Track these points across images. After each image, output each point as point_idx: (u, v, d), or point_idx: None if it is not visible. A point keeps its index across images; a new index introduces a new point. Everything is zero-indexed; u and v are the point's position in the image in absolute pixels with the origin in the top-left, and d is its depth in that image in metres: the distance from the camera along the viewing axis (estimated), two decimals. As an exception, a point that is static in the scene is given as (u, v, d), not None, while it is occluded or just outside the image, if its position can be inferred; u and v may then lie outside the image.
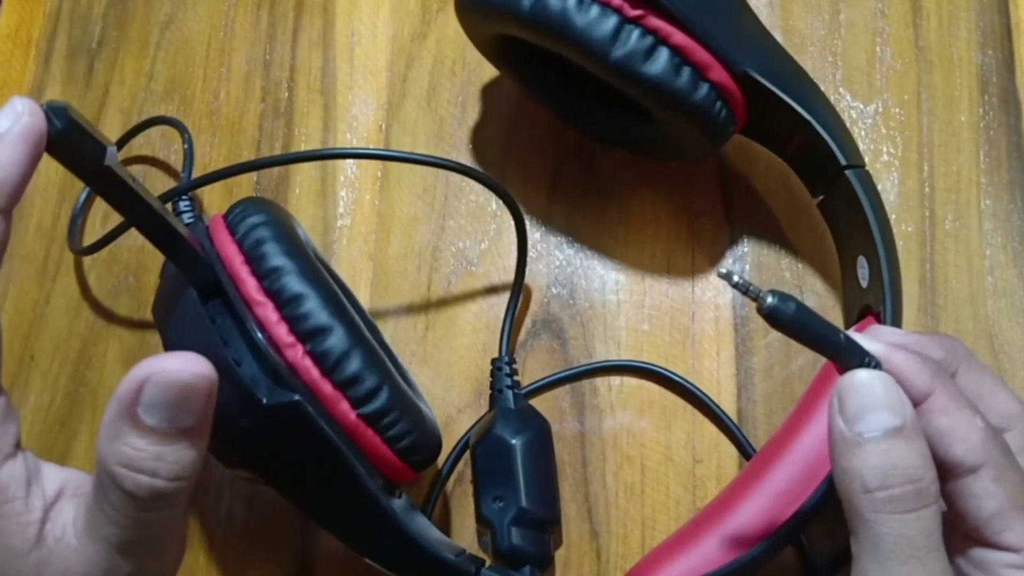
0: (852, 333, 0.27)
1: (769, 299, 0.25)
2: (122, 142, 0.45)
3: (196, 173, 0.44)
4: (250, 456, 0.31)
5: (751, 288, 0.26)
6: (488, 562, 0.35)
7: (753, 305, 0.40)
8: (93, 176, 0.26)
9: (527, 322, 0.42)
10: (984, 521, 0.26)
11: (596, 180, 0.44)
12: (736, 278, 0.26)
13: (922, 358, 0.27)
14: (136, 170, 0.46)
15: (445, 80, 0.46)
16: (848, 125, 0.42)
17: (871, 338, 0.27)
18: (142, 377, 0.25)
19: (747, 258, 0.42)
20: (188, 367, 0.26)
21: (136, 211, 0.27)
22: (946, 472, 0.26)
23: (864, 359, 0.26)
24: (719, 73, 0.35)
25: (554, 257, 0.43)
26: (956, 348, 0.30)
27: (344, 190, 0.44)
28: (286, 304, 0.30)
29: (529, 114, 0.44)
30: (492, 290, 0.42)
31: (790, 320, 0.26)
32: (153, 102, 0.47)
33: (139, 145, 0.46)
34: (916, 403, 0.26)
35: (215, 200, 0.44)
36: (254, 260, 0.31)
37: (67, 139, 0.24)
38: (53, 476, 0.28)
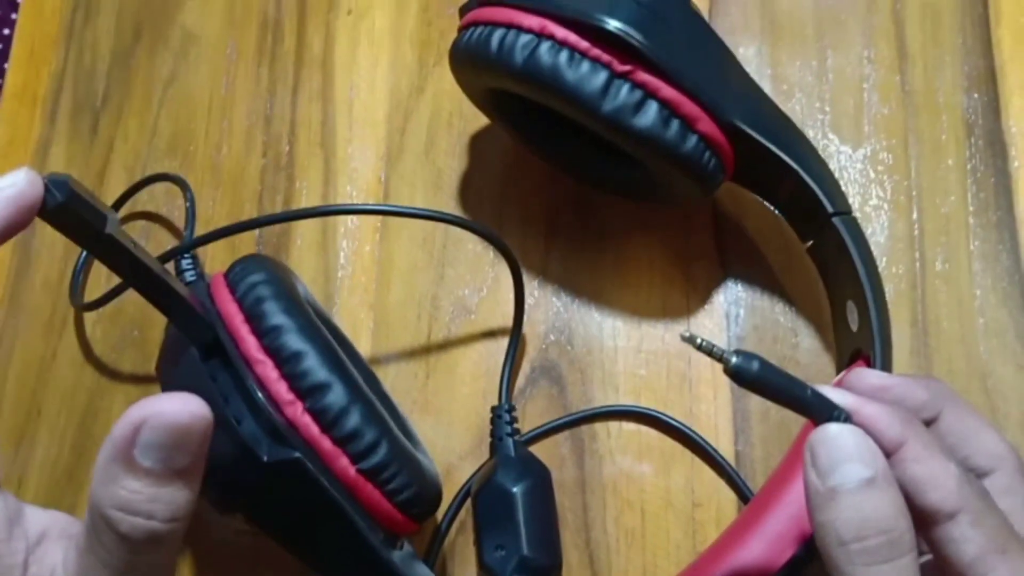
0: (824, 387, 0.27)
1: (733, 359, 0.26)
2: (123, 199, 0.46)
3: (200, 226, 0.45)
4: (251, 512, 0.31)
5: (715, 349, 0.26)
6: None
7: (751, 347, 0.41)
8: (93, 244, 0.26)
9: (526, 368, 0.42)
10: (966, 565, 0.26)
11: (592, 226, 0.44)
12: (699, 340, 0.26)
13: (893, 409, 0.27)
14: (140, 226, 0.47)
15: (442, 132, 0.47)
16: (837, 170, 0.43)
17: (842, 390, 0.28)
18: (139, 419, 0.26)
19: (741, 302, 0.43)
20: (185, 408, 0.26)
21: (136, 275, 0.28)
22: (926, 520, 0.26)
23: (834, 413, 0.27)
24: (707, 125, 0.35)
25: (552, 303, 0.43)
26: (940, 390, 0.31)
27: (344, 241, 0.45)
28: (286, 362, 0.31)
29: (525, 163, 0.45)
30: (491, 337, 0.43)
31: (754, 379, 0.26)
32: (157, 158, 0.48)
33: (143, 201, 0.47)
34: (889, 453, 0.26)
35: (219, 254, 0.45)
36: (254, 319, 0.31)
37: (68, 210, 0.25)
38: (36, 518, 0.28)
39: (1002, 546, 0.26)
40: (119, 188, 0.47)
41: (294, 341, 0.31)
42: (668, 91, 0.35)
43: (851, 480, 0.26)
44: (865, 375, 0.31)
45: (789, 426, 0.40)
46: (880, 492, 0.25)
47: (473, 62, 0.38)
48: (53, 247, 0.46)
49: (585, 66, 0.35)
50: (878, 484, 0.25)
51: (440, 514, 0.40)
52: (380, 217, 0.45)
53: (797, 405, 0.27)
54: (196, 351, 0.31)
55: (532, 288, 0.44)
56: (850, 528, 0.25)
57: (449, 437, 0.41)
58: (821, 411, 0.27)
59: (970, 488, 0.26)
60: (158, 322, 0.44)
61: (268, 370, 0.31)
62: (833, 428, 0.26)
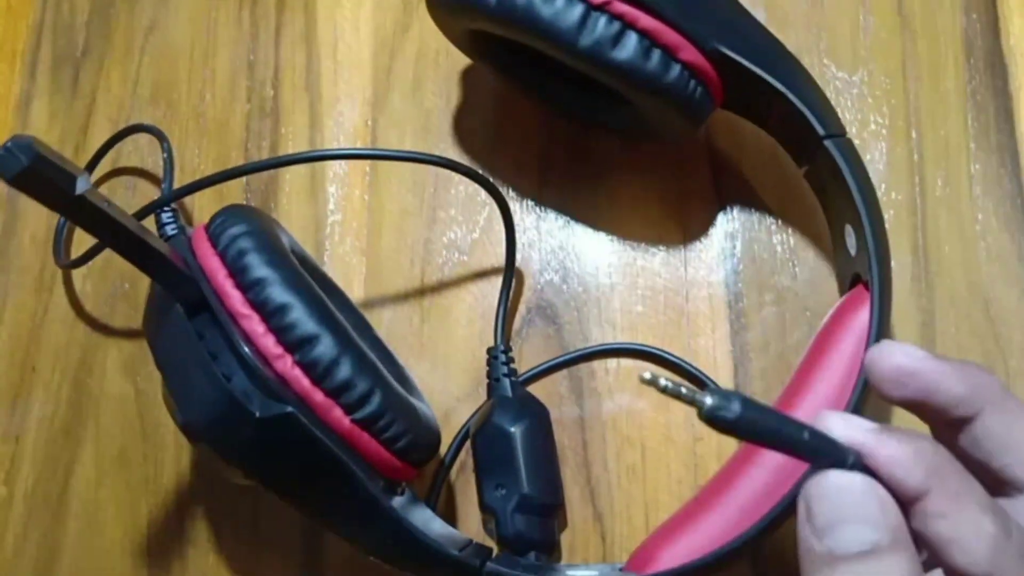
0: (831, 417, 0.23)
1: (708, 401, 0.21)
2: (100, 154, 0.45)
3: (186, 177, 0.45)
4: (248, 467, 0.31)
5: (684, 392, 0.21)
6: (495, 550, 0.36)
7: (746, 281, 0.41)
8: (64, 206, 0.26)
9: (521, 309, 0.42)
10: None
11: (585, 164, 0.44)
12: (663, 382, 0.21)
13: (917, 447, 0.22)
14: (125, 181, 0.46)
15: (429, 71, 0.46)
16: (834, 96, 0.42)
17: (852, 420, 0.22)
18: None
19: (738, 235, 0.42)
20: None
21: (111, 235, 0.27)
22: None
23: (840, 457, 0.22)
24: (690, 53, 0.34)
25: (546, 243, 0.43)
26: (983, 383, 0.25)
27: (333, 187, 0.44)
28: (272, 315, 0.30)
29: (515, 101, 0.44)
30: (485, 279, 0.42)
31: (735, 422, 0.21)
32: (140, 108, 0.47)
33: (128, 154, 0.46)
34: (909, 504, 0.22)
35: (207, 204, 0.45)
36: (237, 272, 0.31)
37: (34, 174, 0.24)
38: None
39: None
40: (104, 140, 0.46)
41: (280, 293, 0.31)
42: (647, 21, 0.34)
43: (854, 545, 0.21)
44: (890, 352, 0.25)
45: (788, 358, 0.40)
46: (888, 560, 0.21)
47: (447, 4, 0.37)
48: (37, 204, 0.46)
49: (560, 1, 0.34)
50: (885, 550, 0.21)
51: (440, 457, 0.40)
52: (369, 161, 0.45)
53: (794, 450, 0.22)
54: (181, 308, 0.31)
55: (526, 228, 0.43)
56: None
57: (446, 380, 0.41)
58: (825, 455, 0.22)
59: (1007, 548, 0.22)
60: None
61: (255, 324, 0.31)
62: (835, 479, 0.22)
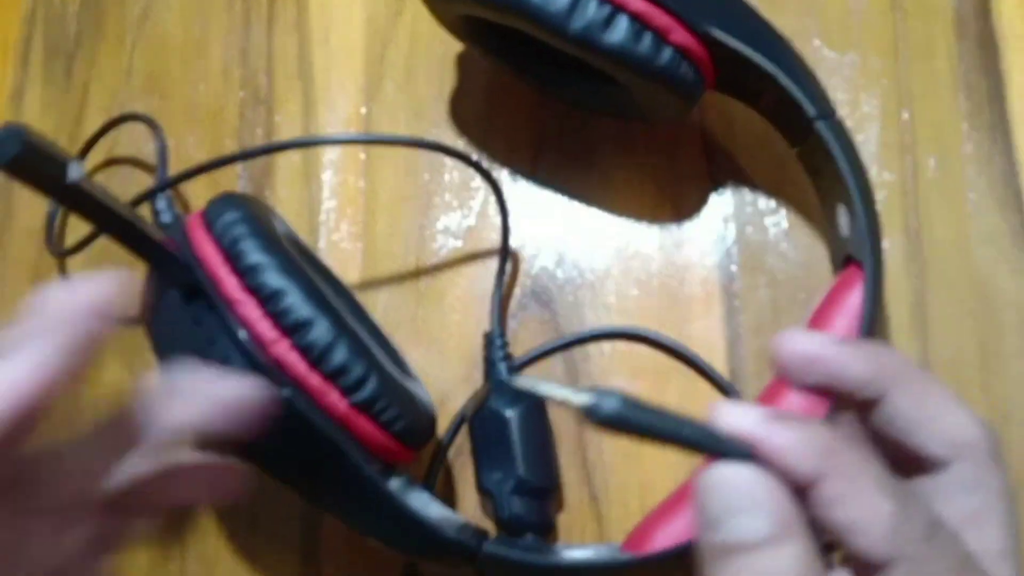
0: (727, 406, 0.22)
1: (584, 398, 0.21)
2: (91, 143, 0.45)
3: (181, 167, 0.44)
4: (244, 451, 0.31)
5: (557, 393, 0.21)
6: (492, 532, 0.36)
7: (740, 263, 0.41)
8: (57, 192, 0.26)
9: (516, 294, 0.42)
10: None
11: (579, 148, 0.44)
12: (541, 388, 0.21)
13: (810, 434, 0.22)
14: (120, 171, 0.46)
15: (422, 58, 0.46)
16: (825, 77, 0.42)
17: (746, 408, 0.22)
18: None
19: (732, 216, 0.42)
20: None
21: (105, 221, 0.27)
22: (862, 566, 0.22)
23: (728, 447, 0.22)
24: (681, 35, 0.35)
25: (540, 227, 0.43)
26: (890, 363, 0.24)
27: (328, 174, 0.44)
28: (268, 300, 0.31)
29: (508, 86, 0.44)
30: (480, 264, 0.43)
31: (616, 421, 0.21)
32: (134, 98, 0.47)
33: (123, 144, 0.46)
34: (805, 491, 0.21)
35: (201, 192, 0.45)
36: (233, 258, 0.31)
37: (25, 162, 0.25)
38: None
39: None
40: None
41: (275, 279, 0.31)
42: (638, 3, 0.34)
43: (744, 535, 0.21)
44: (795, 339, 0.25)
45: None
46: (780, 550, 0.21)
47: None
48: (35, 194, 0.46)
49: None
50: (777, 540, 0.21)
51: (437, 440, 0.40)
52: (363, 148, 0.45)
53: (679, 444, 0.22)
54: (177, 294, 0.31)
55: (520, 212, 0.43)
56: None
57: (442, 365, 0.41)
58: (710, 448, 0.22)
59: (909, 529, 0.21)
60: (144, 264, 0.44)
61: (250, 309, 0.31)
62: (719, 472, 0.21)
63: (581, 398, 0.21)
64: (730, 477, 0.21)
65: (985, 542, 0.23)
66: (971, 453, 0.24)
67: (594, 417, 0.21)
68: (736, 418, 0.22)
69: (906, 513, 0.21)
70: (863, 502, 0.21)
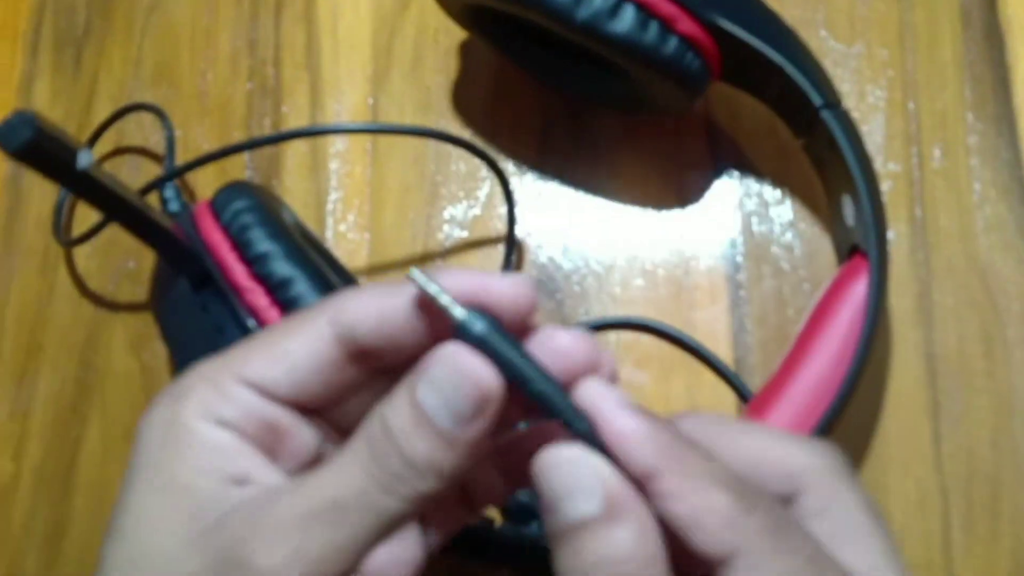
0: (591, 385, 0.22)
1: (460, 313, 0.21)
2: (99, 132, 0.45)
3: (189, 157, 0.45)
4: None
5: (443, 300, 0.22)
6: (498, 520, 0.36)
7: (745, 254, 0.41)
8: (67, 179, 0.26)
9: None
10: None
11: (584, 138, 0.44)
12: (431, 288, 0.22)
13: (653, 426, 0.21)
14: (128, 160, 0.46)
15: (429, 48, 0.46)
16: (831, 68, 0.42)
17: (603, 391, 0.22)
18: None
19: (737, 207, 0.42)
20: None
21: (114, 208, 0.28)
22: (706, 564, 0.21)
23: (568, 416, 0.22)
24: (687, 24, 0.35)
25: (546, 217, 0.43)
26: (693, 432, 0.23)
27: (335, 163, 0.44)
28: (276, 288, 0.31)
29: (514, 77, 0.44)
30: (486, 254, 0.43)
31: (480, 342, 0.21)
32: (142, 88, 0.47)
33: (131, 134, 0.46)
34: (644, 484, 0.21)
35: (209, 182, 0.45)
36: (241, 246, 0.31)
37: (36, 148, 0.25)
38: None
39: None
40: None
41: (283, 267, 0.31)
42: None
43: (577, 517, 0.21)
44: (556, 336, 0.23)
45: (787, 330, 0.40)
46: (616, 531, 0.21)
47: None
48: (44, 184, 0.46)
49: None
50: (612, 520, 0.21)
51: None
52: (370, 138, 0.45)
53: (527, 392, 0.22)
54: (186, 282, 0.31)
55: (526, 202, 0.43)
56: (581, 572, 0.21)
57: (449, 355, 0.41)
58: (553, 409, 0.22)
59: (750, 521, 0.21)
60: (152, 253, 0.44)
61: (259, 297, 0.31)
62: (552, 454, 0.21)
63: (458, 312, 0.21)
64: (561, 459, 0.21)
65: (857, 560, 0.22)
66: (811, 479, 0.23)
67: (463, 334, 0.21)
68: (594, 394, 0.22)
69: (745, 505, 0.21)
70: (700, 496, 0.21)
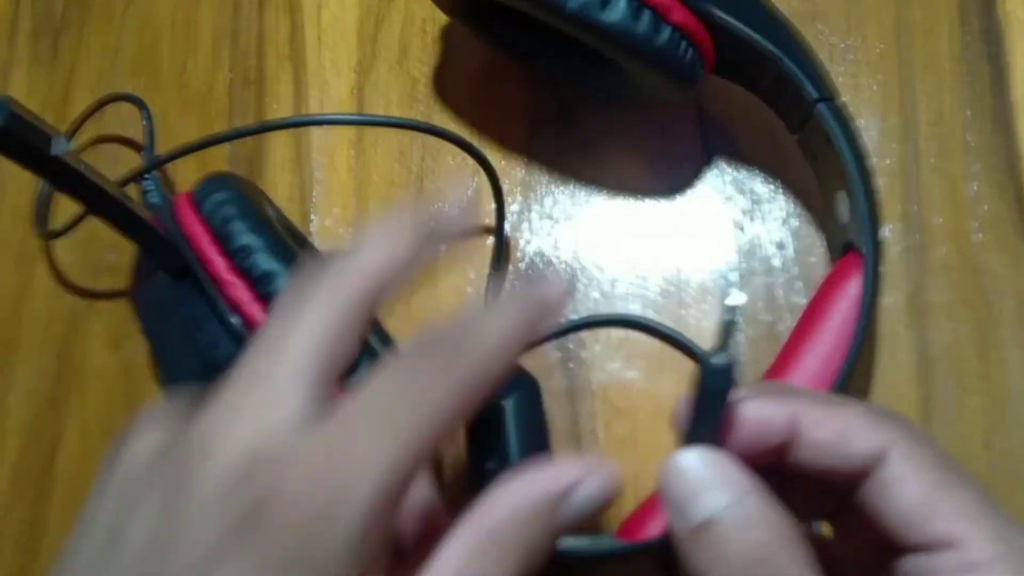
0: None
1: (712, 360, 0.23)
2: (80, 123, 0.44)
3: (171, 148, 0.44)
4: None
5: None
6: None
7: (737, 250, 0.41)
8: (41, 168, 0.25)
9: (511, 280, 0.41)
10: (906, 513, 0.22)
11: (574, 132, 0.43)
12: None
13: (768, 391, 0.24)
14: (106, 151, 0.45)
15: (416, 39, 0.45)
16: (827, 62, 0.42)
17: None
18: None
19: (729, 202, 0.41)
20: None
21: (93, 199, 0.27)
22: (856, 484, 0.23)
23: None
24: (681, 14, 0.34)
25: (535, 213, 0.42)
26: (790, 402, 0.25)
27: (319, 156, 0.44)
28: (258, 282, 0.30)
29: (503, 69, 0.44)
30: (474, 250, 0.42)
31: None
32: (121, 78, 0.46)
33: (111, 124, 0.45)
34: (789, 438, 0.23)
35: (190, 173, 0.44)
36: (222, 239, 0.30)
37: (9, 133, 0.24)
38: None
39: (942, 481, 0.22)
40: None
41: (265, 260, 0.30)
42: None
43: (709, 513, 0.22)
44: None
45: (777, 328, 0.40)
46: (745, 512, 0.22)
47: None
48: (20, 176, 0.45)
49: None
50: (740, 504, 0.22)
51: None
52: (355, 131, 0.44)
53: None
54: (165, 275, 0.31)
55: (514, 198, 0.42)
56: (724, 568, 0.22)
57: (435, 352, 0.41)
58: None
59: (890, 424, 0.23)
60: (133, 246, 0.43)
61: (240, 291, 0.30)
62: (679, 459, 0.23)
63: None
64: (688, 462, 0.23)
65: (957, 508, 0.23)
66: (895, 449, 0.23)
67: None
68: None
69: (878, 413, 0.24)
70: (839, 414, 0.24)
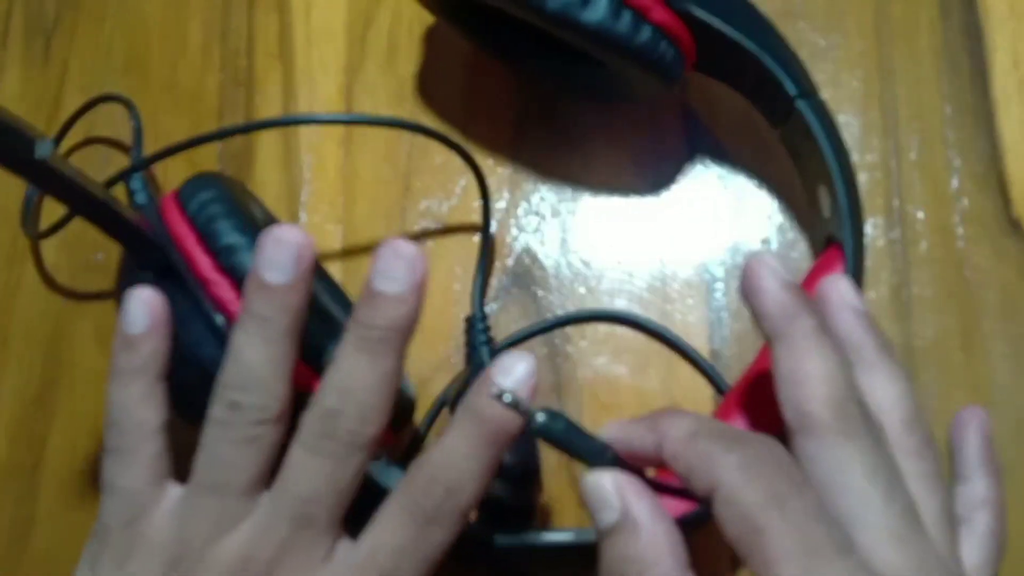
0: (612, 424, 0.28)
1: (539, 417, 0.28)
2: (69, 124, 0.44)
3: (160, 147, 0.44)
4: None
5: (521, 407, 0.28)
6: (472, 515, 0.36)
7: (721, 245, 0.41)
8: (25, 171, 0.26)
9: (498, 277, 0.42)
10: (733, 545, 0.25)
11: (560, 129, 0.43)
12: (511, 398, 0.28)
13: (642, 426, 0.28)
14: (96, 152, 0.45)
15: (404, 39, 0.45)
16: (808, 58, 0.42)
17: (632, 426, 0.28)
18: None
19: (713, 198, 0.42)
20: None
21: (77, 200, 0.27)
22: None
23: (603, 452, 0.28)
24: (661, 13, 0.34)
25: (521, 209, 0.43)
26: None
27: (308, 155, 0.44)
28: (243, 280, 0.30)
29: (490, 68, 0.44)
30: (461, 247, 0.42)
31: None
32: (113, 78, 0.46)
33: (101, 125, 0.46)
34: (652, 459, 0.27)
35: (180, 174, 0.44)
36: (207, 238, 0.31)
37: None
38: None
39: (757, 526, 0.24)
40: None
41: (250, 259, 0.30)
42: None
43: (603, 525, 0.26)
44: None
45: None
46: (628, 534, 0.26)
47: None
48: (6, 176, 0.45)
49: None
50: (626, 526, 0.26)
51: (418, 424, 0.39)
52: (343, 130, 0.44)
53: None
54: (151, 276, 0.31)
55: (501, 194, 0.43)
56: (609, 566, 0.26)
57: (423, 349, 0.41)
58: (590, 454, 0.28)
59: (731, 456, 0.25)
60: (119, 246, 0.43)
61: (225, 291, 0.30)
62: (588, 479, 0.27)
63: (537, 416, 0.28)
64: (592, 480, 0.27)
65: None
66: (720, 488, 0.26)
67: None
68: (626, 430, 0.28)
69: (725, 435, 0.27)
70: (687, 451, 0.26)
